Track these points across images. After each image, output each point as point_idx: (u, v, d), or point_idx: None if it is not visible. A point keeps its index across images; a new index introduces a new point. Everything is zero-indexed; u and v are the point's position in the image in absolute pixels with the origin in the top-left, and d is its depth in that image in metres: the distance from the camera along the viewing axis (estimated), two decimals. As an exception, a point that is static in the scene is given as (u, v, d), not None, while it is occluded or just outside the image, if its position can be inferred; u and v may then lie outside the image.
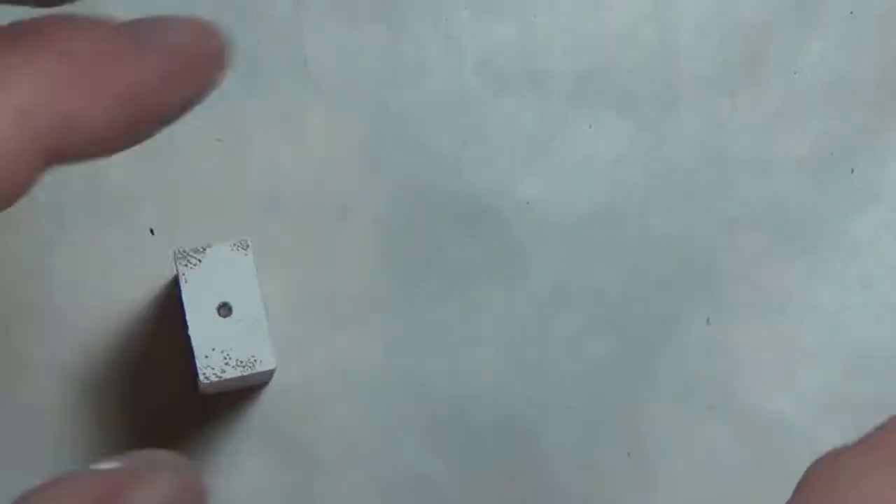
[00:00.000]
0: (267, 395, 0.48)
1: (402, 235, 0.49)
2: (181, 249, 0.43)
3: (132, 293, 0.48)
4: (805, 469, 0.24)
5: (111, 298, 0.48)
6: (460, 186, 0.49)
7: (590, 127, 0.50)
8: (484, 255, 0.49)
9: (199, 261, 0.43)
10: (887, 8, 0.50)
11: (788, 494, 0.24)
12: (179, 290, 0.43)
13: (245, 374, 0.43)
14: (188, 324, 0.43)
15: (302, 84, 0.49)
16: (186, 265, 0.43)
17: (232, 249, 0.43)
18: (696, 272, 0.49)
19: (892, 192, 0.50)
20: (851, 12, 0.50)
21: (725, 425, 0.49)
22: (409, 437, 0.48)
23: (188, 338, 0.43)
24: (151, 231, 0.48)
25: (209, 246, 0.43)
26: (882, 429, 0.24)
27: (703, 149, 0.50)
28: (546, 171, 0.49)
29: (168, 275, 0.47)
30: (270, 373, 0.44)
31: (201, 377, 0.42)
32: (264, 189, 0.48)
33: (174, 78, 0.22)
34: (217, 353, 0.43)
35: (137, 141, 0.22)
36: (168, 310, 0.48)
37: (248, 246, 0.43)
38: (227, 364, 0.43)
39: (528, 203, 0.49)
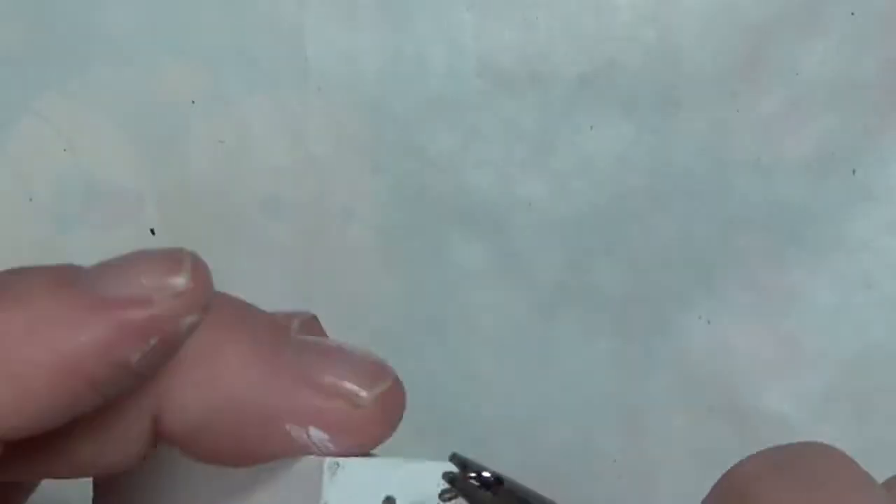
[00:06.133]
0: (267, 395, 0.48)
1: (402, 235, 0.49)
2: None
3: (132, 293, 0.48)
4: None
5: (112, 298, 0.48)
6: (460, 186, 0.49)
7: (591, 128, 0.50)
8: (484, 255, 0.49)
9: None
10: (888, 8, 0.50)
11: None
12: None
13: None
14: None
15: (302, 84, 0.49)
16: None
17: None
18: (697, 272, 0.49)
19: (893, 192, 0.50)
20: (852, 13, 0.50)
21: (725, 425, 0.49)
22: (409, 438, 0.48)
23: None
24: (152, 231, 0.48)
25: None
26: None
27: (704, 149, 0.50)
28: (547, 171, 0.49)
29: (168, 274, 0.47)
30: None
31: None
32: (264, 189, 0.48)
33: None
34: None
35: None
36: (168, 309, 0.47)
37: None
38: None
39: (528, 203, 0.49)
